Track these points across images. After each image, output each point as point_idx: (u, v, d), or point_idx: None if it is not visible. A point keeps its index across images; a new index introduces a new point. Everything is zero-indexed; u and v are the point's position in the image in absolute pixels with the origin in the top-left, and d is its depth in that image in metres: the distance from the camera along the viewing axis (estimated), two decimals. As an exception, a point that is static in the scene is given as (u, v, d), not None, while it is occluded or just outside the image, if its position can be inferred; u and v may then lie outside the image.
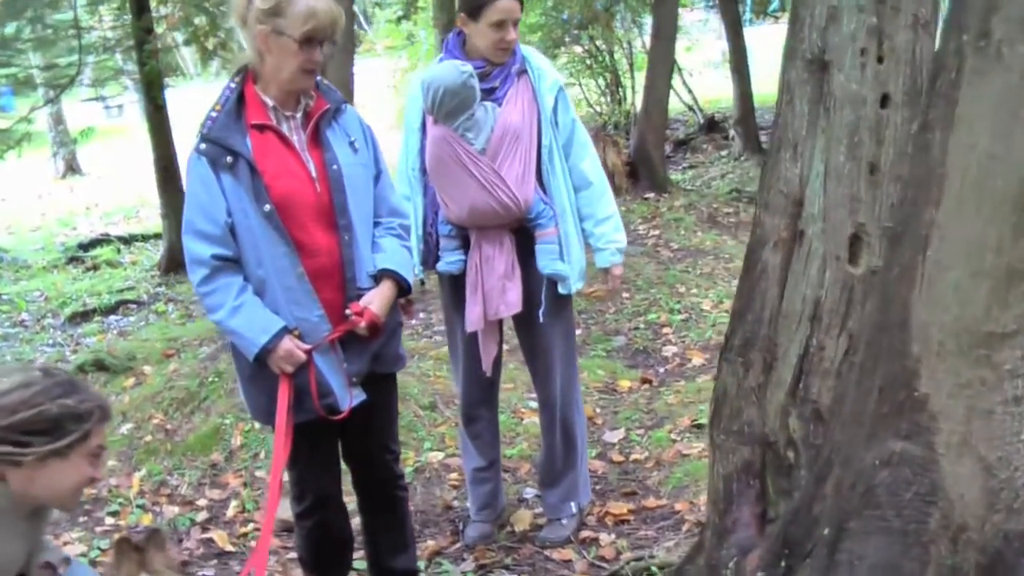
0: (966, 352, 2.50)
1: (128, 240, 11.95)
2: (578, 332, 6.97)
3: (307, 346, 3.32)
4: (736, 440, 3.27)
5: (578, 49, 15.53)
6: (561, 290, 4.12)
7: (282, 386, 3.32)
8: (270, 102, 3.32)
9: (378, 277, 3.45)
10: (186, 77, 19.94)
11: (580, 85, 15.75)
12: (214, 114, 3.29)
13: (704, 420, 5.22)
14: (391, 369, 3.65)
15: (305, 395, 3.35)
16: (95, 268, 11.08)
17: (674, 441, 5.23)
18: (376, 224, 3.50)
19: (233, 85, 3.34)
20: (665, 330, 7.16)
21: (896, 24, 2.92)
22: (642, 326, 7.21)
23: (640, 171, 11.31)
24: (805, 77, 3.03)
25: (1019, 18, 2.31)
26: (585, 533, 4.45)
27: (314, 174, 3.33)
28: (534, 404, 5.72)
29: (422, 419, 5.46)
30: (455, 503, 4.81)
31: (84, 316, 9.16)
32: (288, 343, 3.28)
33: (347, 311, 3.37)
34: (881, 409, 2.66)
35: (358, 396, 3.45)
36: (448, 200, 4.03)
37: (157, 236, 11.34)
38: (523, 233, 4.07)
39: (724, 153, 14.08)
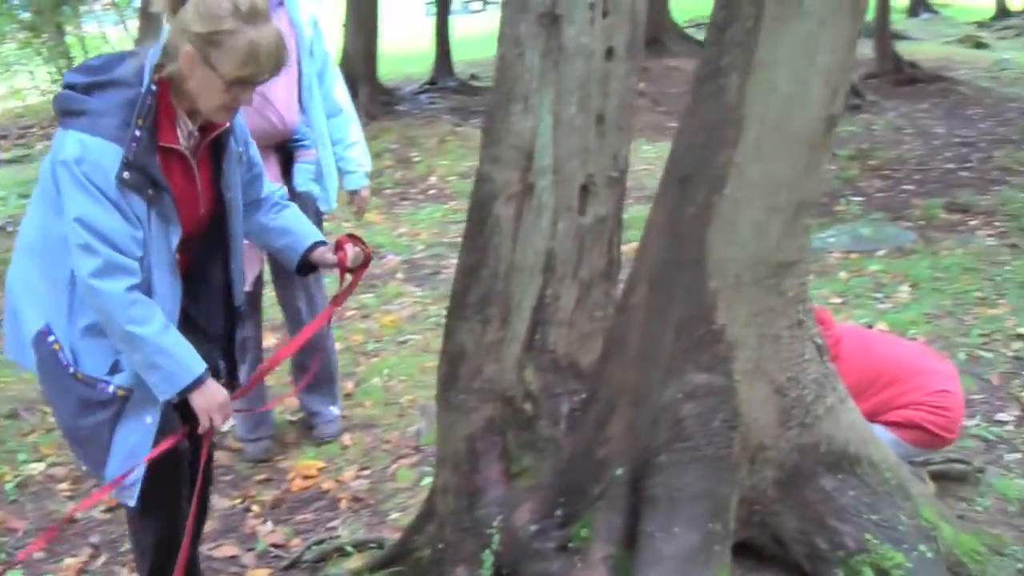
0: (760, 282, 2.71)
1: None
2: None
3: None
4: (477, 398, 3.23)
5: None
6: (322, 207, 4.48)
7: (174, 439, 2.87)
8: (185, 124, 2.77)
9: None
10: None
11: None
12: (137, 133, 2.60)
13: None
14: None
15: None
16: None
17: (291, 422, 5.01)
18: (263, 203, 3.23)
19: (154, 89, 2.65)
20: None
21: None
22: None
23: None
24: (536, 31, 3.03)
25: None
26: (240, 529, 4.13)
27: (205, 202, 2.92)
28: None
29: (7, 429, 4.72)
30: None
31: None
32: (215, 383, 2.87)
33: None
34: (680, 344, 2.78)
35: None
36: None
37: None
38: (285, 154, 4.36)
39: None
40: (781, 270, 2.72)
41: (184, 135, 2.78)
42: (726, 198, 2.67)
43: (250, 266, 4.29)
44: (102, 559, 3.92)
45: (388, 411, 5.02)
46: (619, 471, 2.86)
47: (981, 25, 27.22)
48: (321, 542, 3.88)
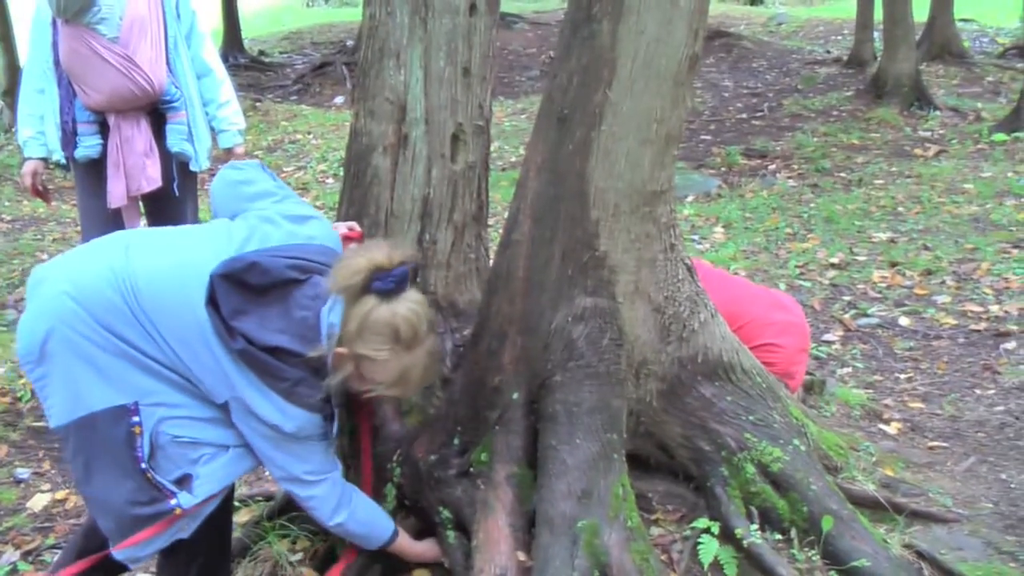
0: (636, 210, 2.93)
1: None
2: None
3: None
4: (366, 342, 3.36)
5: None
6: (192, 167, 4.52)
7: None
8: None
9: None
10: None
11: None
12: (335, 412, 2.68)
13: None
14: None
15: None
16: None
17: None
18: None
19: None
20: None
21: (478, -62, 3.19)
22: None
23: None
24: (405, -12, 3.19)
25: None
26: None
27: None
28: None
29: None
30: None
31: None
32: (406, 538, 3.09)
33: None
34: (566, 272, 2.98)
35: None
36: (88, 89, 4.24)
37: None
38: (156, 116, 4.42)
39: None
40: (654, 198, 2.94)
41: None
42: (603, 133, 2.87)
43: None
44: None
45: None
46: (515, 395, 3.04)
47: (753, -17, 28.42)
48: (205, 501, 3.90)
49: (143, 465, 2.51)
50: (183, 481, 2.57)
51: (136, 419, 2.50)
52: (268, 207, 2.74)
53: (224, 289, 2.46)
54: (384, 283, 2.50)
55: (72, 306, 2.45)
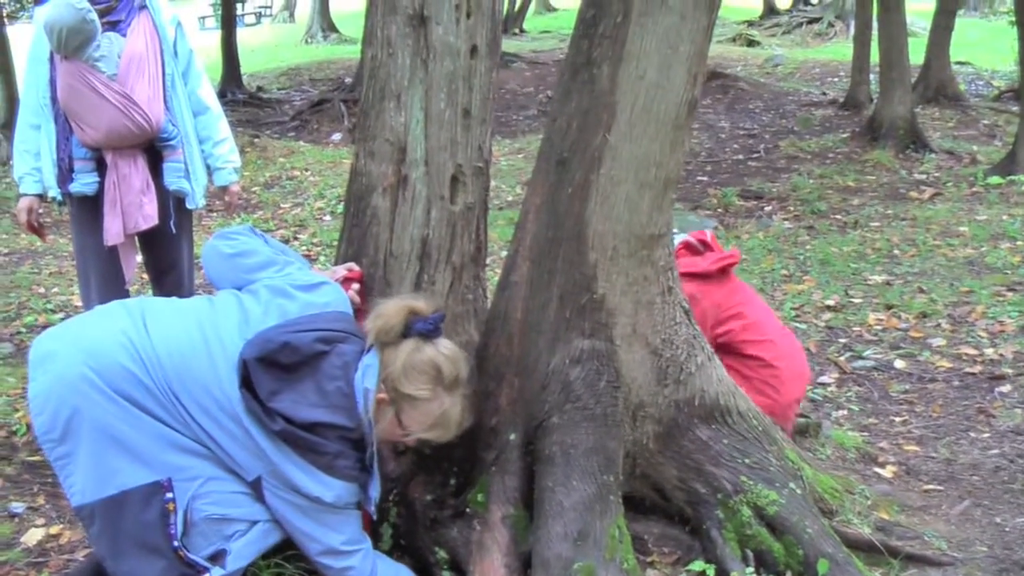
0: (634, 254, 2.96)
1: None
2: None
3: None
4: (364, 382, 3.36)
5: None
6: (188, 205, 4.53)
7: None
8: None
9: None
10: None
11: None
12: (376, 480, 2.72)
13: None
14: None
15: None
16: None
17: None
18: None
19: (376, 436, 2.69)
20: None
21: (479, -18, 3.23)
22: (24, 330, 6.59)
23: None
24: (407, 31, 3.19)
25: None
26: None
27: None
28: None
29: None
30: None
31: None
32: None
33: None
34: (564, 314, 3.00)
35: None
36: (85, 126, 4.22)
37: None
38: (153, 153, 4.38)
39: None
40: (652, 242, 2.97)
41: None
42: (602, 177, 2.90)
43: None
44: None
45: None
46: (512, 436, 3.05)
47: (751, 24, 28.65)
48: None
49: (176, 543, 2.51)
50: (217, 557, 2.58)
51: (170, 495, 2.51)
52: (274, 277, 2.78)
53: (258, 371, 2.49)
54: (425, 324, 2.61)
55: (96, 381, 2.46)
